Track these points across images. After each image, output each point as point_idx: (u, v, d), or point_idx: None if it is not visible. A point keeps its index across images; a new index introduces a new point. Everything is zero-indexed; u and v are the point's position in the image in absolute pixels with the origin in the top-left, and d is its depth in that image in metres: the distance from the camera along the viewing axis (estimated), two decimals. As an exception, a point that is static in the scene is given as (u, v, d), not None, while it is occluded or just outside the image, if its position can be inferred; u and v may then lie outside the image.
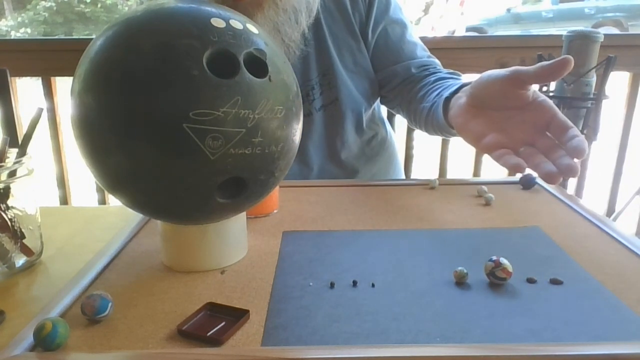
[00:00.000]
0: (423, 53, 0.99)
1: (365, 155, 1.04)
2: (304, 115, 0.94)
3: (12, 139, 0.60)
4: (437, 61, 0.99)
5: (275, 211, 0.72)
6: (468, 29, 9.10)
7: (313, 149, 0.98)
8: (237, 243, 0.58)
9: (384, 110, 1.14)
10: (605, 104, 0.84)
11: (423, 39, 1.05)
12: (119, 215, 0.73)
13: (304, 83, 0.95)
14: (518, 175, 0.82)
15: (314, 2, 0.89)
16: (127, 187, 0.49)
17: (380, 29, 0.98)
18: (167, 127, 0.44)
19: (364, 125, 1.02)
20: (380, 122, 1.08)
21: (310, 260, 0.57)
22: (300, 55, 0.91)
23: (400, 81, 0.97)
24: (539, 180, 0.82)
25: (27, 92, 1.66)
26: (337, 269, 0.54)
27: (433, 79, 0.91)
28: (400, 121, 1.35)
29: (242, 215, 0.58)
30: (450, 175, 1.47)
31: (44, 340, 0.41)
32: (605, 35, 0.84)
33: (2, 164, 0.57)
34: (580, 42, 0.81)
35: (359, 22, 0.97)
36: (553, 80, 0.57)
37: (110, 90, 0.45)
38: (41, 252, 0.60)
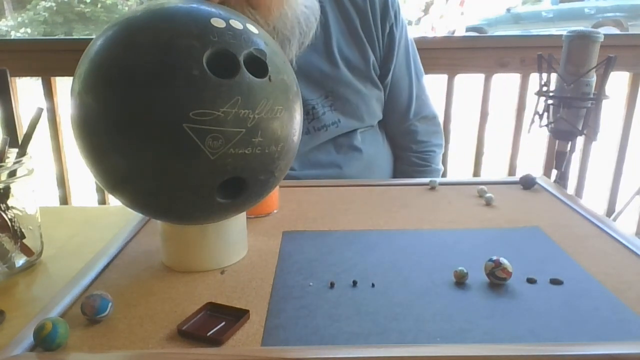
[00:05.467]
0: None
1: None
2: (303, 133, 0.94)
3: (12, 139, 0.60)
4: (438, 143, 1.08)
5: (275, 211, 0.72)
6: (468, 29, 9.10)
7: (313, 160, 0.99)
8: (237, 243, 0.58)
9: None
10: (605, 104, 0.84)
11: (423, 39, 1.05)
12: (119, 215, 0.73)
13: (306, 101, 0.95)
14: (518, 175, 0.82)
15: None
16: (127, 187, 0.49)
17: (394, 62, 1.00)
18: (167, 127, 0.44)
19: (376, 140, 1.04)
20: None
21: (310, 260, 0.56)
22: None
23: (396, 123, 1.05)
24: (539, 180, 0.82)
25: (27, 92, 1.65)
26: (337, 269, 0.54)
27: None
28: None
29: (242, 215, 0.58)
30: (450, 175, 1.47)
31: (44, 340, 0.41)
32: (605, 35, 0.84)
33: (2, 164, 0.57)
34: (580, 42, 0.81)
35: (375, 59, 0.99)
36: None
37: (110, 90, 0.45)
38: (41, 252, 0.60)
